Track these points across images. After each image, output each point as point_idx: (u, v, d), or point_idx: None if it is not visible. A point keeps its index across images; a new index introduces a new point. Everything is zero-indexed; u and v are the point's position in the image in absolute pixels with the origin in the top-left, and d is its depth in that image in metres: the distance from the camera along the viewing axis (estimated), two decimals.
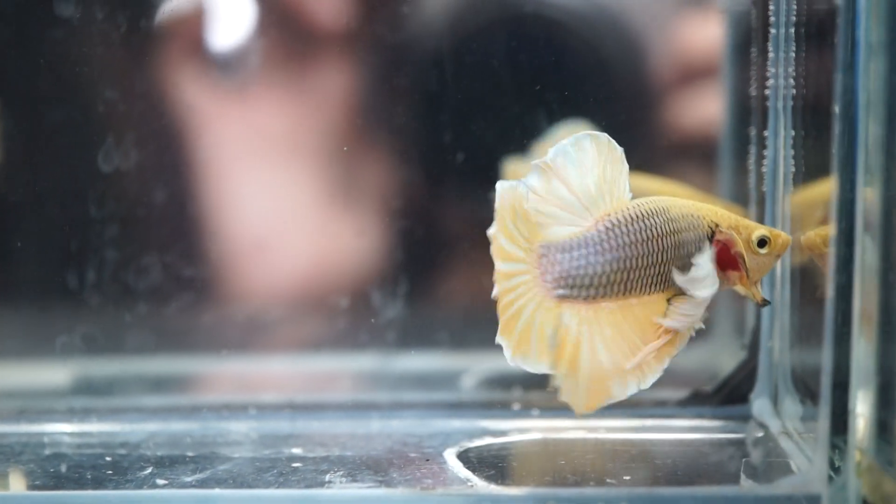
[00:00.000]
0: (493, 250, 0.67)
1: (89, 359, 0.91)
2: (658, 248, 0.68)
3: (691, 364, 0.90)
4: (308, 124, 0.92)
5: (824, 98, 0.71)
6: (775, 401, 0.82)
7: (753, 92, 0.84)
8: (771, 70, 0.80)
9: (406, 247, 0.93)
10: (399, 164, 0.94)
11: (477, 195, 0.90)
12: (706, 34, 0.91)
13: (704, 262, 0.69)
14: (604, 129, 0.89)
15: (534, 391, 0.88)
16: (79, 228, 0.91)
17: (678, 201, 0.70)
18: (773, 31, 0.79)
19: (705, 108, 0.92)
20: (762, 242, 0.70)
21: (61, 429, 0.85)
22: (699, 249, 0.69)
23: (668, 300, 0.69)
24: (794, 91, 0.79)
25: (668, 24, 0.92)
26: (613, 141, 0.68)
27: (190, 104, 0.91)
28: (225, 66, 0.92)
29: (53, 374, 0.91)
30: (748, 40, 0.84)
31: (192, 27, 0.91)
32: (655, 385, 0.89)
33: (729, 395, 0.84)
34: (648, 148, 0.92)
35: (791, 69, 0.79)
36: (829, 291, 0.68)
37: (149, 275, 0.91)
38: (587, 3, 0.91)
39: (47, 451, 0.80)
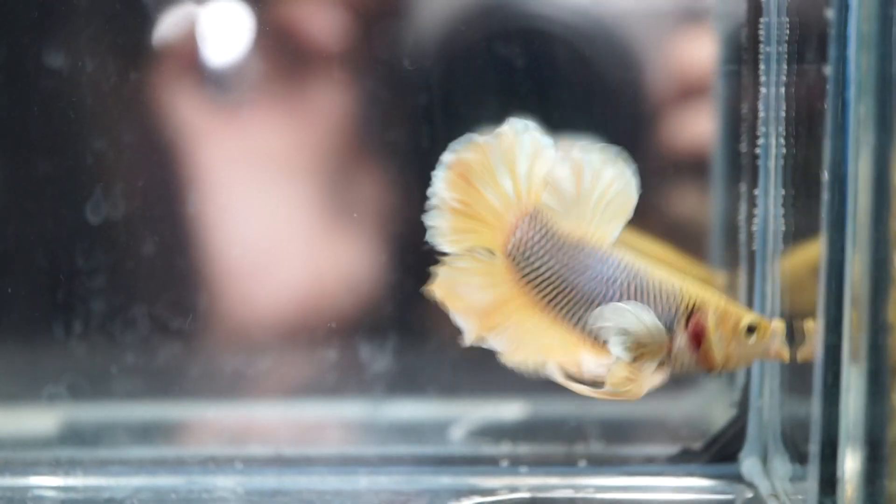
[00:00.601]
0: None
1: (76, 408, 0.91)
2: (609, 297, 0.68)
3: (680, 420, 0.90)
4: (304, 145, 0.92)
5: (814, 160, 0.71)
6: (765, 460, 0.82)
7: (744, 149, 0.84)
8: (762, 129, 0.80)
9: (401, 265, 0.93)
10: (395, 183, 0.94)
11: None
12: (700, 91, 0.91)
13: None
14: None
15: (522, 444, 0.88)
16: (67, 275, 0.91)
17: (663, 274, 0.68)
18: (763, 90, 0.80)
19: (697, 158, 0.92)
20: (751, 329, 0.68)
21: (46, 482, 0.84)
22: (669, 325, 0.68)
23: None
24: (784, 150, 0.79)
25: (661, 81, 0.93)
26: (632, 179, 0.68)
27: (183, 125, 0.91)
28: (220, 87, 0.92)
29: (40, 423, 0.91)
30: (739, 98, 0.85)
31: (187, 50, 0.91)
32: (646, 441, 0.90)
33: (718, 453, 0.84)
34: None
35: (781, 128, 0.79)
36: (819, 353, 0.68)
37: (136, 324, 0.91)
38: (585, 22, 0.91)
39: None
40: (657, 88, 0.93)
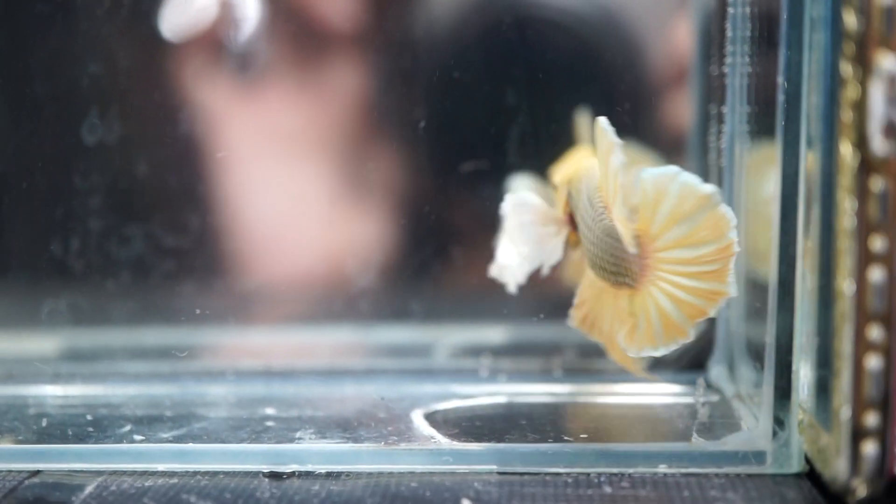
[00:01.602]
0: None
1: (75, 327, 0.95)
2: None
3: None
4: (319, 121, 0.96)
5: (775, 75, 0.74)
6: (731, 368, 0.86)
7: (714, 71, 0.87)
8: (729, 48, 0.83)
9: (414, 239, 0.97)
10: (409, 160, 0.97)
11: (483, 189, 0.95)
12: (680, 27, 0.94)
13: None
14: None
15: (502, 359, 0.92)
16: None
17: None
18: (730, 10, 0.82)
19: (678, 97, 0.95)
20: None
21: (46, 391, 0.88)
22: None
23: None
24: (749, 69, 0.82)
25: (646, 15, 0.96)
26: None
27: (205, 103, 0.95)
28: (239, 66, 0.95)
29: (41, 339, 0.95)
30: (709, 22, 0.88)
31: (209, 29, 0.94)
32: None
33: (689, 361, 0.88)
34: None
35: (746, 48, 0.82)
36: (773, 257, 0.72)
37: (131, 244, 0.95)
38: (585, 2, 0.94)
39: (32, 411, 0.84)
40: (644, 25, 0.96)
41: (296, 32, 0.94)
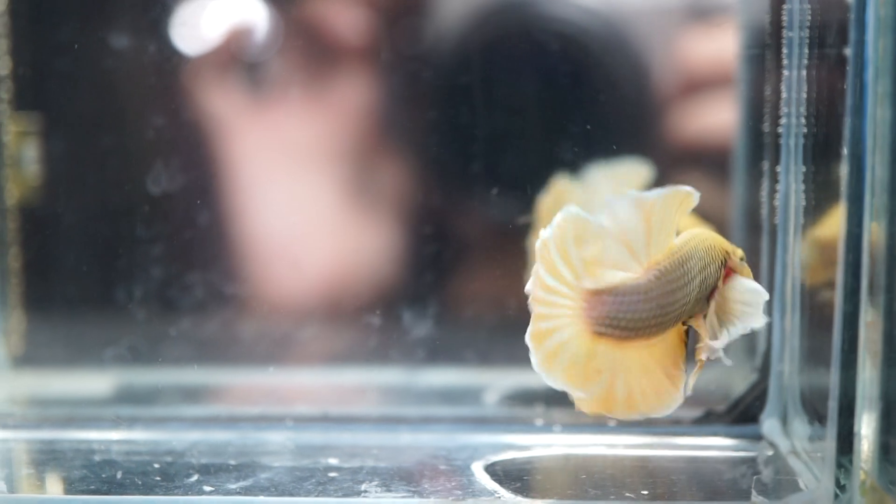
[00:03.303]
0: (543, 257, 0.70)
1: (134, 369, 0.97)
2: (694, 288, 0.72)
3: (705, 385, 0.95)
4: (331, 135, 0.98)
5: (834, 138, 0.76)
6: (785, 421, 0.87)
7: (767, 128, 0.89)
8: (784, 109, 0.85)
9: (425, 253, 0.99)
10: (417, 171, 0.99)
11: (493, 201, 0.96)
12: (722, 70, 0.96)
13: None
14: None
15: (556, 408, 0.93)
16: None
17: (702, 235, 0.73)
18: (785, 72, 0.84)
19: (720, 135, 0.97)
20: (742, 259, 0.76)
21: (110, 436, 0.90)
22: (717, 278, 0.74)
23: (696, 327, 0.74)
24: (805, 129, 0.84)
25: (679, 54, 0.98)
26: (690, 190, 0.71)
27: (219, 117, 0.97)
28: (252, 81, 0.98)
29: (101, 383, 0.97)
30: (762, 80, 0.90)
31: (224, 46, 0.96)
32: None
33: (741, 415, 0.89)
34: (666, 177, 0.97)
35: (803, 109, 0.84)
36: (837, 320, 0.73)
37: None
38: (603, 19, 0.96)
39: (97, 458, 0.85)
40: (681, 74, 0.98)
41: (308, 47, 0.96)
